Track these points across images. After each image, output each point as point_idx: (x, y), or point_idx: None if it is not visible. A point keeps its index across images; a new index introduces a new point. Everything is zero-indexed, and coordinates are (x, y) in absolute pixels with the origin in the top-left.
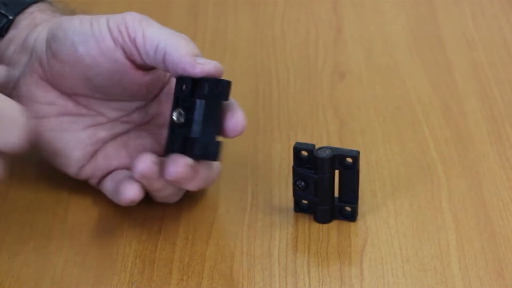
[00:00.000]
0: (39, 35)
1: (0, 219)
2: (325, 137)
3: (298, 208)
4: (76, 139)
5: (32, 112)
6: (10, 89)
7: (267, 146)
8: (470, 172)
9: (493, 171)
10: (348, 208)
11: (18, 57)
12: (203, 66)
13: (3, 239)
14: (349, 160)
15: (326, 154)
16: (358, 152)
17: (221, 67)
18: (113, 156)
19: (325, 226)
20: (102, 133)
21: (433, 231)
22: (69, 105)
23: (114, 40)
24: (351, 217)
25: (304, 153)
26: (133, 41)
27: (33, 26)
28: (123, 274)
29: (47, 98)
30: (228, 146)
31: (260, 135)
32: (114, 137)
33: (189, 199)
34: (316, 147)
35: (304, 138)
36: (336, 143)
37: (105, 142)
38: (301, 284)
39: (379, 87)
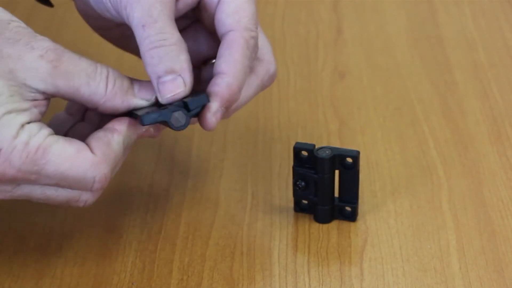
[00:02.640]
0: None
1: (0, 219)
2: (325, 137)
3: (298, 208)
4: None
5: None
6: None
7: (267, 146)
8: (470, 172)
9: (493, 171)
10: (348, 208)
11: None
12: (162, 99)
13: (3, 239)
14: (349, 160)
15: (326, 154)
16: (358, 152)
17: (183, 93)
18: None
19: (325, 226)
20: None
21: (433, 231)
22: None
23: (114, 11)
24: (351, 217)
25: (304, 153)
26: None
27: None
28: (123, 274)
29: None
30: (228, 146)
31: (260, 135)
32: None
33: (189, 199)
34: (316, 147)
35: (304, 138)
36: (336, 143)
37: None
38: (301, 284)
39: (379, 87)
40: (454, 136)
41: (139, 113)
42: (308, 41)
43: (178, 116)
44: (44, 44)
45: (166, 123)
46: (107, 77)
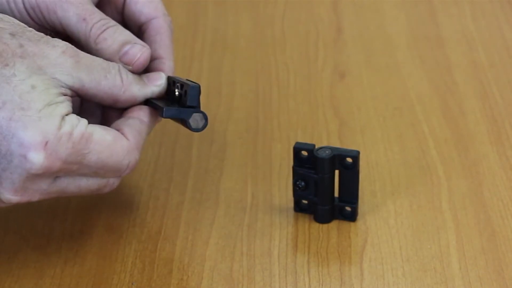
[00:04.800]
0: None
1: (0, 219)
2: (325, 137)
3: (298, 208)
4: None
5: None
6: None
7: (267, 146)
8: (470, 172)
9: (493, 171)
10: (348, 208)
11: None
12: (133, 68)
13: (3, 239)
14: (349, 160)
15: (326, 154)
16: (358, 152)
17: (144, 57)
18: None
19: (325, 226)
20: None
21: (433, 231)
22: None
23: (37, 22)
24: (351, 217)
25: (304, 153)
26: (54, 28)
27: None
28: (123, 274)
29: None
30: (228, 146)
31: (260, 135)
32: None
33: (189, 199)
34: (316, 147)
35: (304, 138)
36: (336, 143)
37: None
38: (301, 284)
39: (379, 87)
40: (454, 136)
41: (160, 104)
42: (308, 41)
43: (198, 117)
44: (61, 42)
45: (184, 122)
46: (119, 70)
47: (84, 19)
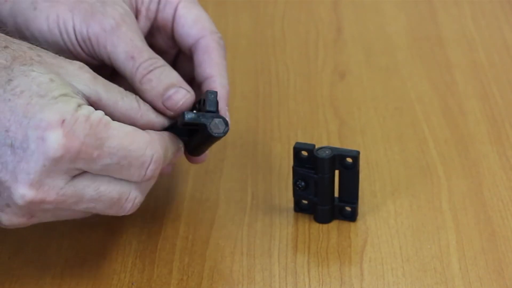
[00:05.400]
0: None
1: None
2: (325, 137)
3: (298, 208)
4: None
5: None
6: None
7: (267, 146)
8: (470, 172)
9: (493, 171)
10: (348, 208)
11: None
12: (172, 113)
13: (3, 239)
14: (349, 160)
15: (326, 154)
16: (358, 152)
17: (190, 99)
18: None
19: (325, 226)
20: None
21: (433, 231)
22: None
23: (86, 53)
24: (351, 217)
25: (304, 153)
26: (103, 61)
27: None
28: (123, 274)
29: None
30: (228, 146)
31: (260, 135)
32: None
33: (189, 199)
34: (316, 147)
35: (304, 138)
36: (336, 143)
37: None
38: (301, 284)
39: (379, 87)
40: (454, 136)
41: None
42: (308, 41)
43: (218, 123)
44: (79, 62)
45: (204, 128)
46: (136, 97)
47: (132, 57)
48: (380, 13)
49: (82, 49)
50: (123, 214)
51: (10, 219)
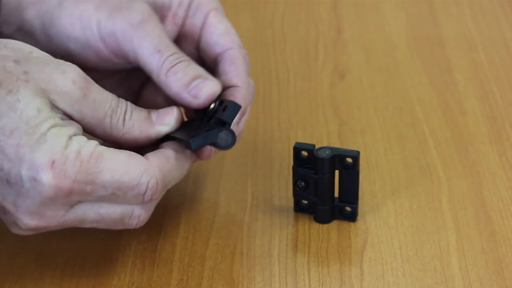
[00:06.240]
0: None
1: (0, 219)
2: (325, 137)
3: (298, 208)
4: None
5: None
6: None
7: (267, 146)
8: (470, 172)
9: (493, 171)
10: (348, 208)
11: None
12: (198, 102)
13: (3, 239)
14: (349, 160)
15: (326, 154)
16: (358, 152)
17: (216, 89)
18: None
19: (325, 226)
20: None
21: (433, 231)
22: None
23: (109, 50)
24: (351, 217)
25: (304, 153)
26: (127, 58)
27: None
28: (123, 274)
29: None
30: None
31: (260, 135)
32: (130, 93)
33: (189, 199)
34: (316, 147)
35: (304, 138)
36: (336, 143)
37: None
38: (301, 284)
39: (379, 87)
40: (454, 136)
41: (181, 136)
42: (308, 41)
43: (225, 135)
44: (74, 69)
45: (213, 144)
46: (125, 111)
47: (159, 51)
48: (380, 13)
49: (105, 45)
50: (131, 228)
51: (19, 232)
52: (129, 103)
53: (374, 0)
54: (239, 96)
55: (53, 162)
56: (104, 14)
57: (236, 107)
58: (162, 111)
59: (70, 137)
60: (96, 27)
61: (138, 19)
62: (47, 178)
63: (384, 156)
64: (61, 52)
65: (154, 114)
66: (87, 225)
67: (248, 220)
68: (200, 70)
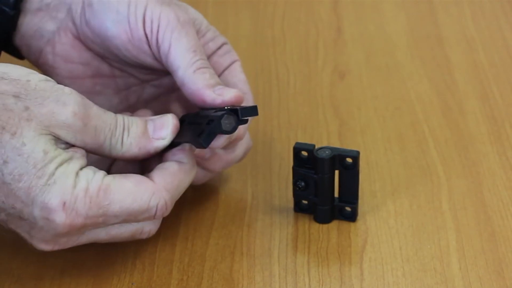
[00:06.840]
0: None
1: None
2: (325, 137)
3: (298, 208)
4: (109, 103)
5: (67, 72)
6: (44, 43)
7: (267, 146)
8: (470, 172)
9: (493, 171)
10: (348, 208)
11: (55, 10)
12: (223, 98)
13: (3, 239)
14: (349, 160)
15: (326, 154)
16: (358, 152)
17: (241, 95)
18: None
19: (325, 226)
20: (133, 98)
21: (433, 231)
22: (103, 67)
23: (146, 33)
24: (351, 217)
25: (304, 153)
26: (158, 48)
27: None
28: (123, 275)
29: (82, 59)
30: None
31: (260, 135)
32: (144, 103)
33: (189, 199)
34: (316, 147)
35: (304, 138)
36: (336, 143)
37: (135, 108)
38: (301, 284)
39: (379, 87)
40: (454, 136)
41: (184, 141)
42: (308, 41)
43: (227, 120)
44: (74, 98)
45: (221, 132)
46: (123, 131)
47: (195, 51)
48: (380, 13)
49: (143, 26)
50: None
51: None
52: (125, 119)
53: (374, 0)
54: (249, 100)
55: (64, 203)
56: (153, 2)
57: (253, 111)
58: (158, 122)
59: (77, 174)
60: (142, 7)
61: (185, 17)
62: (60, 218)
63: (384, 156)
64: (94, 25)
65: (151, 126)
66: (101, 242)
67: (248, 220)
68: (218, 79)
